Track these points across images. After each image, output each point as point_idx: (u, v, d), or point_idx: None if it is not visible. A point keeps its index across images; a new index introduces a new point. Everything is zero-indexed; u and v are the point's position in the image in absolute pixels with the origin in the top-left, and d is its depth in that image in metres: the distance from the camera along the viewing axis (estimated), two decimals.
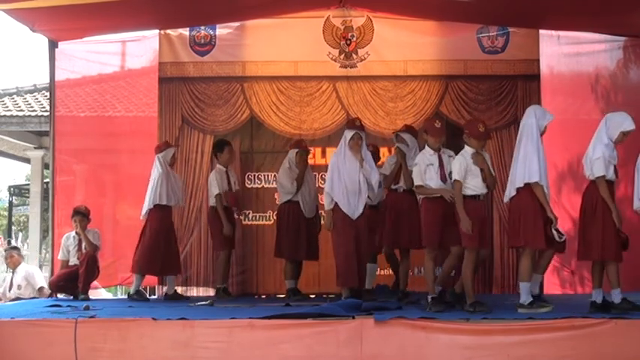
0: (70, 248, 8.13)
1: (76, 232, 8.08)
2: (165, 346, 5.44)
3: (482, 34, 9.05)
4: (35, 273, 9.12)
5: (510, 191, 5.97)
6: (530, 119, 5.98)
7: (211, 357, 5.39)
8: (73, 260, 8.07)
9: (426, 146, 6.48)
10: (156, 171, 7.95)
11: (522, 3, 7.77)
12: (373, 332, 5.33)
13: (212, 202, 8.12)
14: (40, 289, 8.86)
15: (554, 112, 7.84)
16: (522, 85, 9.00)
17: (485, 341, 5.23)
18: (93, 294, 8.42)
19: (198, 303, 7.12)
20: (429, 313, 5.72)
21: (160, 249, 7.90)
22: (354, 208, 6.73)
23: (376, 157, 7.77)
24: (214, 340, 5.43)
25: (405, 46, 9.12)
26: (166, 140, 8.57)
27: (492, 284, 8.82)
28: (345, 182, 6.71)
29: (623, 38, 8.34)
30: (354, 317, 5.45)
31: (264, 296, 8.52)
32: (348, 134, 6.86)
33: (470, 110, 8.93)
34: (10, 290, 8.92)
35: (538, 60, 8.93)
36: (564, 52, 8.80)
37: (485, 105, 8.96)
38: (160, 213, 7.91)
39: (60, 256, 8.18)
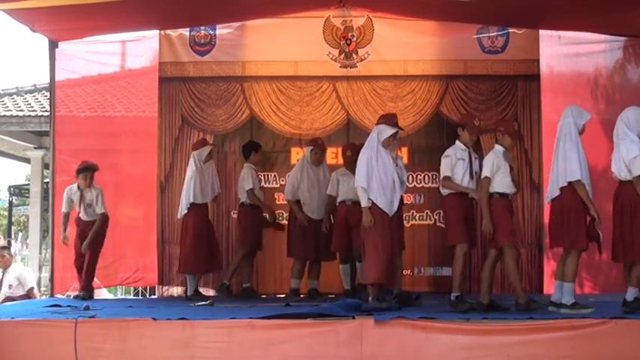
0: (75, 199, 8.03)
1: (79, 187, 7.99)
2: (165, 346, 5.44)
3: (482, 34, 9.06)
4: (27, 274, 9.16)
5: (553, 192, 5.96)
6: (568, 119, 6.02)
7: (211, 357, 5.40)
8: (81, 214, 8.00)
9: (458, 141, 6.47)
10: (189, 170, 8.08)
11: (522, 3, 7.76)
12: (373, 332, 5.33)
13: (243, 197, 8.15)
14: (31, 289, 8.91)
15: (554, 112, 7.88)
16: (522, 85, 9.00)
17: (486, 341, 5.23)
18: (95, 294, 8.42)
19: (198, 303, 7.12)
20: (429, 313, 5.71)
21: (202, 247, 8.00)
22: (390, 205, 6.46)
23: None
24: (214, 340, 5.43)
25: (405, 46, 9.12)
26: (203, 138, 8.61)
27: (494, 284, 8.80)
28: (381, 178, 6.44)
29: (623, 38, 8.34)
30: (354, 317, 5.45)
31: (264, 296, 8.52)
32: (388, 131, 6.56)
33: (470, 110, 8.92)
34: (0, 289, 8.93)
35: (538, 60, 8.93)
36: (564, 52, 8.79)
37: (485, 105, 8.96)
38: (196, 211, 8.01)
39: (63, 209, 8.06)
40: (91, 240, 7.88)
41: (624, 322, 5.23)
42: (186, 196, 8.01)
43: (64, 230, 8.03)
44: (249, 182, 8.08)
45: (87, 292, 7.81)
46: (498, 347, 5.20)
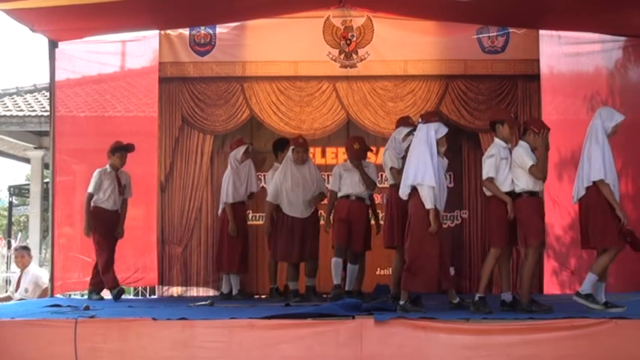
0: (105, 185, 7.70)
1: (112, 167, 7.74)
2: (165, 346, 5.43)
3: (482, 34, 9.06)
4: (42, 275, 9.01)
5: (579, 191, 5.97)
6: (596, 120, 6.02)
7: (211, 357, 5.39)
8: (107, 202, 7.72)
9: (497, 139, 6.24)
10: (227, 170, 8.08)
11: (522, 3, 7.76)
12: (373, 332, 5.32)
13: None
14: (45, 290, 8.79)
15: (554, 111, 7.88)
16: (522, 85, 9.01)
17: (486, 341, 5.22)
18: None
19: (198, 303, 7.11)
20: (429, 313, 5.71)
21: (238, 246, 7.96)
22: (444, 205, 6.26)
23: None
24: (214, 340, 5.43)
25: (405, 46, 9.13)
26: (240, 138, 8.45)
27: (492, 284, 8.80)
28: (440, 176, 6.17)
29: (623, 38, 8.34)
30: (354, 317, 5.44)
31: (264, 296, 8.52)
32: (444, 129, 6.27)
33: (470, 110, 8.95)
34: (17, 291, 8.90)
35: (538, 60, 8.94)
36: (564, 52, 8.80)
37: (485, 105, 8.97)
38: (233, 210, 7.95)
39: (91, 189, 7.72)
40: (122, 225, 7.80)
41: (624, 322, 5.22)
42: (223, 197, 8.00)
43: (89, 219, 7.74)
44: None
45: (118, 288, 7.69)
46: (498, 347, 5.19)
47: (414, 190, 6.14)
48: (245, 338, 5.39)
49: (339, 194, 7.53)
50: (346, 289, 7.34)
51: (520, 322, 5.34)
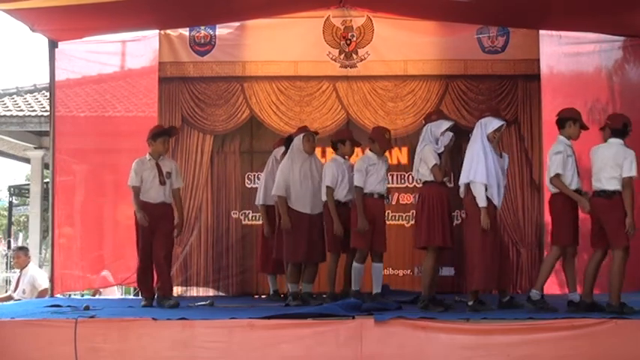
0: (145, 175, 6.92)
1: (153, 156, 6.97)
2: (165, 346, 5.44)
3: (482, 34, 9.05)
4: (39, 276, 9.02)
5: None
6: None
7: (211, 357, 5.40)
8: (148, 194, 6.87)
9: (562, 136, 6.17)
10: (265, 168, 7.95)
11: (522, 3, 7.76)
12: (373, 332, 5.33)
13: (323, 196, 7.18)
14: (44, 291, 8.78)
15: (554, 111, 7.84)
16: (522, 85, 9.00)
17: (486, 341, 5.23)
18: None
19: (198, 303, 7.11)
20: (429, 313, 5.71)
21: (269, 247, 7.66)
22: (500, 200, 6.13)
23: None
24: (214, 340, 5.43)
25: (405, 46, 9.12)
26: (281, 138, 8.16)
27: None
28: (496, 172, 6.05)
29: (622, 38, 8.34)
30: (354, 317, 5.45)
31: (264, 296, 8.52)
32: (495, 123, 6.19)
33: (470, 110, 8.92)
34: (15, 291, 8.90)
35: (538, 60, 8.93)
36: (564, 52, 8.80)
37: (485, 105, 8.93)
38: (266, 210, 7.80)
39: (131, 182, 6.94)
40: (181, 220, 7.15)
41: (624, 322, 5.23)
42: (258, 198, 7.88)
43: (140, 208, 6.85)
44: (329, 178, 7.14)
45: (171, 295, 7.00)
46: (498, 347, 5.20)
47: (468, 187, 6.10)
48: (245, 338, 5.40)
49: (364, 191, 6.96)
50: (374, 291, 6.94)
51: (520, 322, 5.35)
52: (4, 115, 12.91)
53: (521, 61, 9.04)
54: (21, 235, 20.80)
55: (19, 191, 19.35)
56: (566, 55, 8.80)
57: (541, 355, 5.16)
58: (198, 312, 6.30)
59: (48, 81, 8.62)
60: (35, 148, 14.13)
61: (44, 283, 8.93)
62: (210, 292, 8.75)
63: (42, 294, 8.72)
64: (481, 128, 6.19)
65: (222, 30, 9.21)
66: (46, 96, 12.58)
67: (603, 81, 8.53)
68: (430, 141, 6.52)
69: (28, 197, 16.63)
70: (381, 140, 7.06)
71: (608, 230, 5.86)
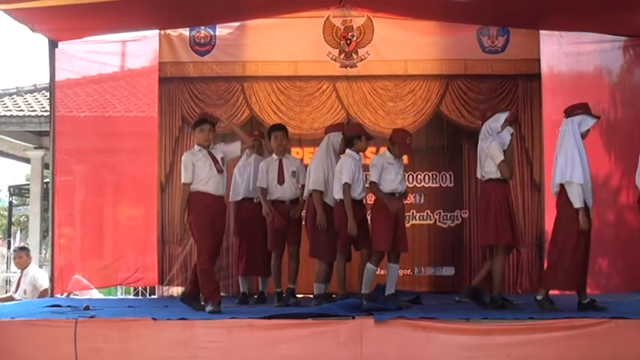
0: (199, 166, 6.31)
1: (202, 145, 6.41)
2: (165, 346, 5.44)
3: (483, 34, 9.05)
4: (40, 276, 8.98)
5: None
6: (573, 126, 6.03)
7: (211, 357, 5.39)
8: (208, 186, 6.27)
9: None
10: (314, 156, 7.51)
11: (522, 3, 7.76)
12: (373, 332, 5.32)
13: (339, 194, 6.92)
14: (44, 291, 8.78)
15: (554, 111, 7.86)
16: (523, 85, 9.00)
17: (486, 341, 5.23)
18: (86, 295, 8.37)
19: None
20: (429, 313, 5.70)
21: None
22: (592, 201, 5.97)
23: None
24: (214, 340, 5.43)
25: (405, 46, 9.12)
26: (339, 122, 8.04)
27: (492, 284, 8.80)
28: (587, 169, 5.91)
29: (623, 38, 8.34)
30: (354, 317, 5.44)
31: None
32: (590, 121, 6.10)
33: (470, 110, 8.94)
34: (16, 292, 8.89)
35: (538, 59, 8.93)
36: (565, 52, 8.80)
37: (485, 104, 8.92)
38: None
39: (185, 179, 6.34)
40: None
41: (624, 322, 5.22)
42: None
43: (183, 211, 6.35)
44: (347, 174, 6.83)
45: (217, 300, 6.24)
46: (498, 347, 5.19)
47: (562, 187, 5.99)
48: (245, 338, 5.39)
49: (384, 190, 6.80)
50: (387, 292, 6.76)
51: (520, 322, 5.34)
52: (4, 115, 12.90)
53: (521, 61, 9.04)
54: (21, 235, 20.79)
55: (19, 191, 19.35)
56: (566, 54, 8.80)
57: (541, 355, 5.15)
58: (198, 312, 6.28)
59: (48, 81, 8.61)
60: (35, 148, 14.12)
61: (45, 283, 8.91)
62: None
63: (43, 294, 8.69)
64: (572, 126, 6.05)
65: (222, 30, 9.22)
66: (46, 96, 12.58)
67: (604, 81, 8.52)
68: (494, 138, 6.39)
69: (28, 197, 16.63)
70: (401, 145, 6.86)
71: None
